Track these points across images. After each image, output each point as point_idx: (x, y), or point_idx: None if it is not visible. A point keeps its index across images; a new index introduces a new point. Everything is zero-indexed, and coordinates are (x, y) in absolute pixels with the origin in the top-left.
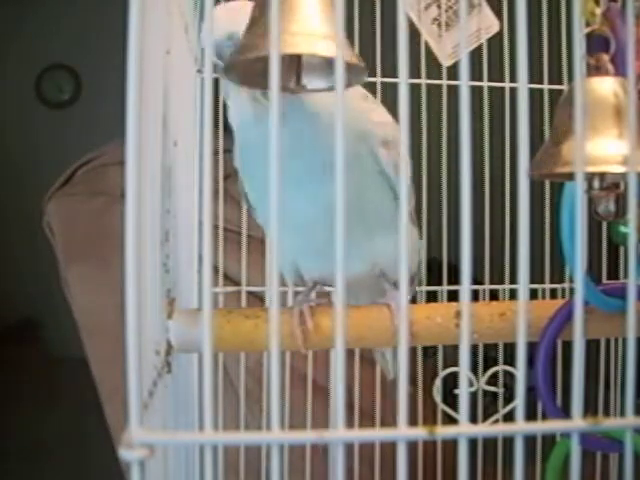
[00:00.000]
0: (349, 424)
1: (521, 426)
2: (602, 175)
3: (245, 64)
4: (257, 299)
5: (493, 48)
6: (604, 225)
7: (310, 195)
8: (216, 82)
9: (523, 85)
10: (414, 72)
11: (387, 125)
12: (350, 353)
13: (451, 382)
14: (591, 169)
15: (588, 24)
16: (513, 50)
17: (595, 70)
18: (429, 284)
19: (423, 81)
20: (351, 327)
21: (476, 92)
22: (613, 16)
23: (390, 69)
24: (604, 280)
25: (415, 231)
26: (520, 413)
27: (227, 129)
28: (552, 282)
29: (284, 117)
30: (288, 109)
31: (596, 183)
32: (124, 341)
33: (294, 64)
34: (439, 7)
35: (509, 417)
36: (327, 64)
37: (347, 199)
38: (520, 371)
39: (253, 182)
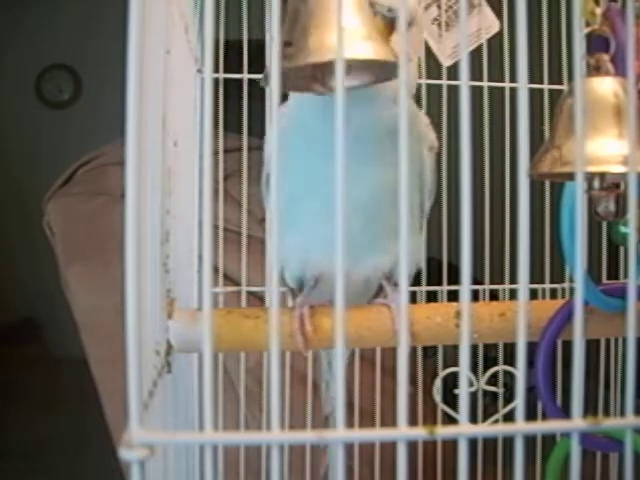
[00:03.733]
0: (349, 424)
1: (521, 426)
2: (602, 175)
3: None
4: (257, 299)
5: (493, 48)
6: (604, 225)
7: (358, 180)
8: (216, 82)
9: (523, 85)
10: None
11: (432, 129)
12: (350, 353)
13: (451, 382)
14: (591, 169)
15: (588, 24)
16: (513, 50)
17: (595, 70)
18: (429, 284)
19: (423, 81)
20: (351, 327)
21: (476, 92)
22: (613, 16)
23: None
24: (604, 280)
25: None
26: (520, 413)
27: (227, 129)
28: (552, 282)
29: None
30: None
31: (596, 183)
32: (124, 341)
33: (320, 65)
34: (439, 7)
35: (509, 417)
36: (359, 62)
37: (389, 193)
38: (520, 371)
39: (302, 163)
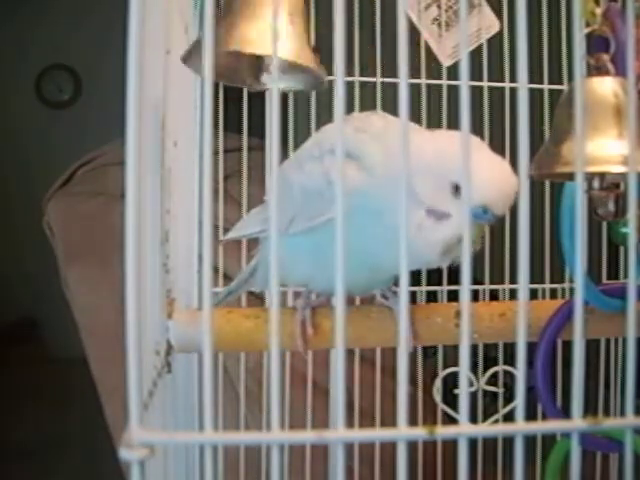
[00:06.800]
0: (349, 424)
1: (521, 426)
2: (602, 175)
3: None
4: (257, 299)
5: (493, 48)
6: (604, 225)
7: (364, 259)
8: (216, 82)
9: (523, 85)
10: (414, 72)
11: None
12: (350, 353)
13: (451, 382)
14: (591, 169)
15: (588, 24)
16: (513, 50)
17: (595, 70)
18: (429, 284)
19: (423, 81)
20: (351, 327)
21: (476, 92)
22: (613, 16)
23: (390, 69)
24: (604, 280)
25: None
26: (520, 413)
27: (227, 129)
28: (552, 282)
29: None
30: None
31: (596, 183)
32: (124, 341)
33: (256, 62)
34: (439, 7)
35: (509, 417)
36: (288, 64)
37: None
38: (520, 371)
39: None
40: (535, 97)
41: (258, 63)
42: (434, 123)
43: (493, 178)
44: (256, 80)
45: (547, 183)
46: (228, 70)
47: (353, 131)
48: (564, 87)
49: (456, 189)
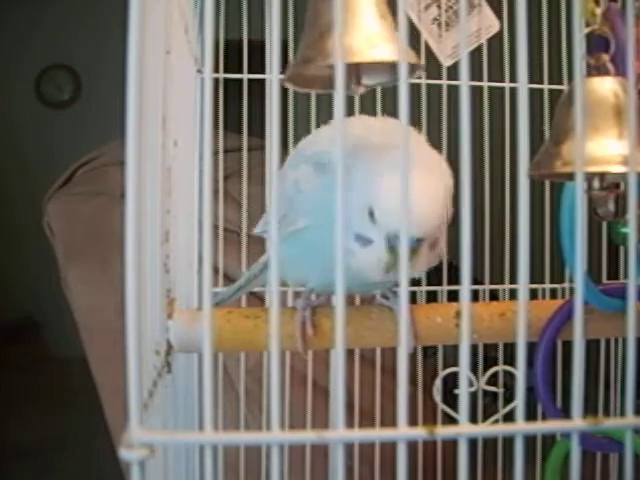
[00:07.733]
0: (349, 424)
1: (521, 426)
2: (602, 175)
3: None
4: (257, 299)
5: (493, 48)
6: (604, 225)
7: None
8: (216, 82)
9: (523, 85)
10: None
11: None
12: (350, 353)
13: (451, 382)
14: (591, 169)
15: (588, 24)
16: (513, 50)
17: (595, 70)
18: (429, 284)
19: (423, 81)
20: (351, 327)
21: (476, 92)
22: (613, 16)
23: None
24: (604, 280)
25: None
26: (520, 413)
27: (227, 129)
28: (552, 282)
29: None
30: None
31: (596, 183)
32: (124, 341)
33: (353, 65)
34: (439, 7)
35: (509, 417)
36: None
37: None
38: (520, 371)
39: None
40: (535, 97)
41: (355, 68)
42: (434, 123)
43: (413, 202)
44: (357, 84)
45: (547, 183)
46: (329, 79)
47: (327, 141)
48: (564, 87)
49: (371, 215)
